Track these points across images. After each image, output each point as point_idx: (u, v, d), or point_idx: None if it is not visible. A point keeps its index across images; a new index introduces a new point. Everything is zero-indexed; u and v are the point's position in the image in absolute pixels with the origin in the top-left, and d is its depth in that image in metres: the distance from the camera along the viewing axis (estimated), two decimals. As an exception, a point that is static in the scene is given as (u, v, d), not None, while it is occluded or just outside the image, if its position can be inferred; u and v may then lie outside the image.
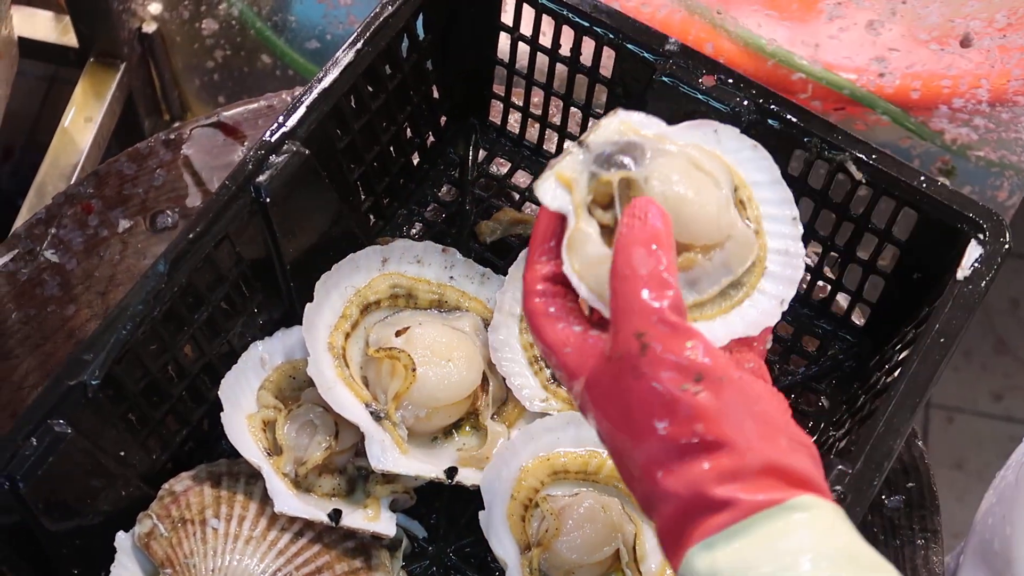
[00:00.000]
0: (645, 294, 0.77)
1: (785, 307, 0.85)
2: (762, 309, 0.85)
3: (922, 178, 1.11)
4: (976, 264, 1.07)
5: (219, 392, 1.12)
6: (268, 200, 1.09)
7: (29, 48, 1.73)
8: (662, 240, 0.79)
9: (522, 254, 1.23)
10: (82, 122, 1.67)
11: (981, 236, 1.08)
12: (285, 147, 1.10)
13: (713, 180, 0.85)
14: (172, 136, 1.41)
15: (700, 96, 1.14)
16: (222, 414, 1.11)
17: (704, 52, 1.54)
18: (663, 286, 0.77)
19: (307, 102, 1.12)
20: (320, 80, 1.13)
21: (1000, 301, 2.43)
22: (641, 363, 0.75)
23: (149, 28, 1.74)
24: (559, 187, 0.84)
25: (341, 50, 1.15)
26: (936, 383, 1.03)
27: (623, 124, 0.86)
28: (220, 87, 1.83)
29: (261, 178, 1.09)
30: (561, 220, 0.84)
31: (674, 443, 0.74)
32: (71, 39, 1.72)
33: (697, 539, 0.72)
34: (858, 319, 1.25)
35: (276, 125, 1.11)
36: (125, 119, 1.77)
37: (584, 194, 0.83)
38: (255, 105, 1.43)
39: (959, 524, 2.21)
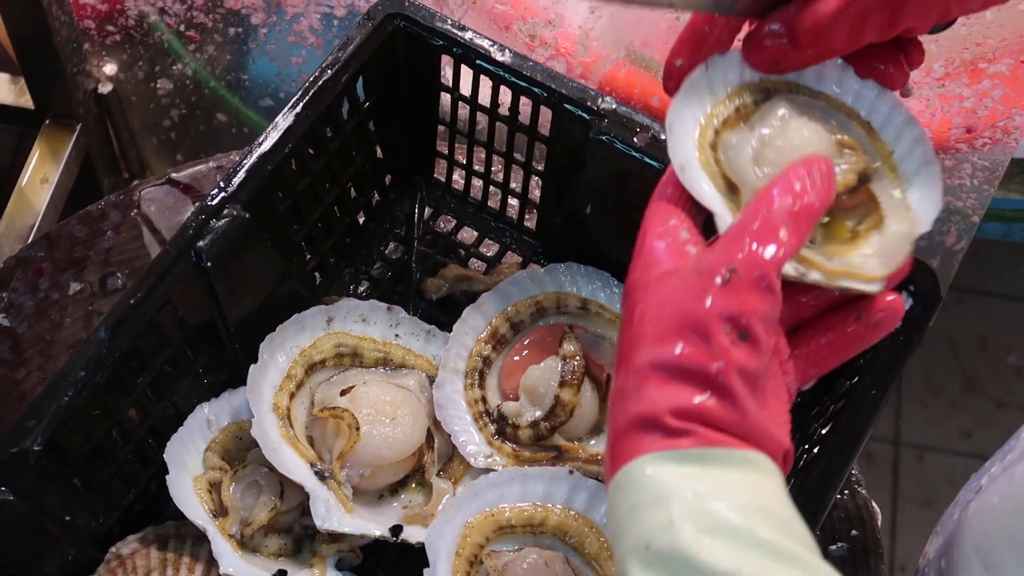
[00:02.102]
0: (766, 238, 0.76)
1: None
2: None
3: (854, 231, 1.13)
4: (908, 315, 1.09)
5: (164, 455, 1.13)
6: (210, 264, 1.10)
7: (-15, 110, 1.75)
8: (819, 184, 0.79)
9: (467, 310, 1.24)
10: (38, 183, 1.68)
11: (911, 289, 1.09)
12: (226, 211, 1.12)
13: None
14: (123, 198, 1.42)
15: (635, 153, 1.15)
16: (168, 476, 1.11)
17: (650, 104, 1.58)
18: (786, 242, 0.77)
19: (247, 165, 1.14)
20: (260, 144, 1.15)
21: (968, 339, 2.45)
22: (713, 291, 0.75)
23: (105, 88, 1.76)
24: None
25: (281, 114, 1.16)
26: (867, 435, 1.05)
27: None
28: (177, 145, 1.84)
29: (202, 243, 1.10)
30: None
31: (683, 367, 0.74)
32: (27, 101, 1.73)
33: (652, 450, 0.73)
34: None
35: (217, 189, 1.12)
36: (83, 179, 1.78)
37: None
38: (205, 165, 1.45)
39: (925, 563, 2.22)
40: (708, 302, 0.75)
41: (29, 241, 1.62)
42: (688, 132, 0.85)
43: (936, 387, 2.41)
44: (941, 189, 0.89)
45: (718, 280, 0.75)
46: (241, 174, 1.13)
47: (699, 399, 0.74)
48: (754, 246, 0.76)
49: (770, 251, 0.76)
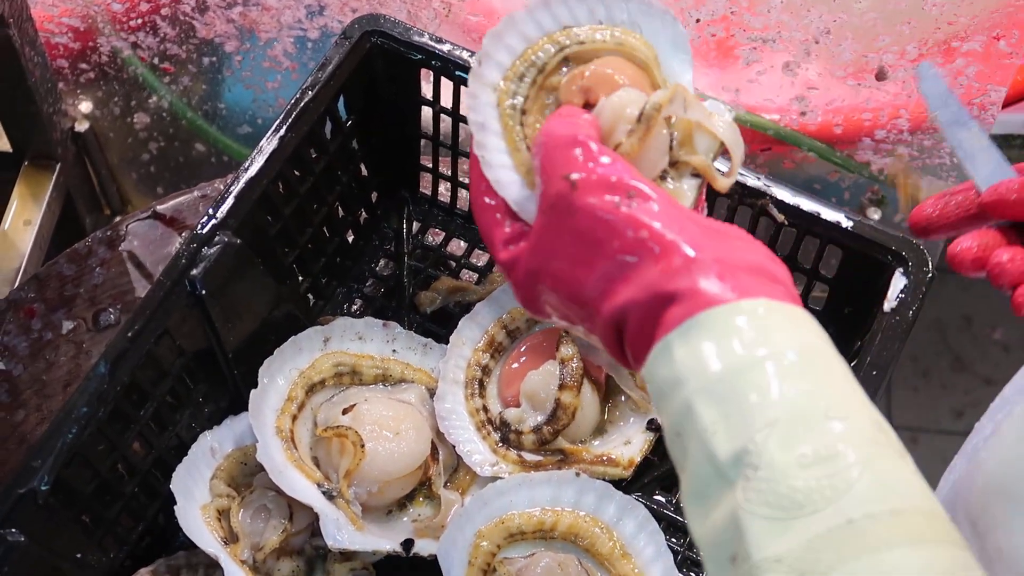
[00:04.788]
0: (565, 145, 0.80)
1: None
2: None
3: (843, 215, 1.14)
4: (901, 295, 1.09)
5: (171, 485, 1.12)
6: (204, 292, 1.10)
7: (-39, 156, 1.75)
8: (583, 121, 0.83)
9: (462, 321, 1.24)
10: (21, 225, 1.68)
11: (904, 268, 1.10)
12: (217, 238, 1.12)
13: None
14: (109, 233, 1.42)
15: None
16: (176, 507, 1.11)
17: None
18: (581, 143, 0.80)
19: (235, 192, 1.14)
20: (246, 169, 1.15)
21: (954, 319, 2.46)
22: (574, 198, 0.78)
23: (81, 127, 1.76)
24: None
25: (265, 138, 1.16)
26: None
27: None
28: (158, 178, 1.84)
29: (195, 271, 1.10)
30: None
31: (622, 258, 0.75)
32: (4, 144, 1.73)
33: (658, 338, 0.71)
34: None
35: (206, 217, 1.13)
36: (65, 218, 1.78)
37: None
38: (189, 196, 1.45)
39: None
40: (583, 207, 0.77)
41: (16, 283, 1.61)
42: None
43: (925, 369, 2.42)
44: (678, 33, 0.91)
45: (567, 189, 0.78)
46: (230, 200, 1.13)
47: (659, 267, 0.74)
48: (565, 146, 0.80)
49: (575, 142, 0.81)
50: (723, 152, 0.87)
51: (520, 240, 0.84)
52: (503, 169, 0.86)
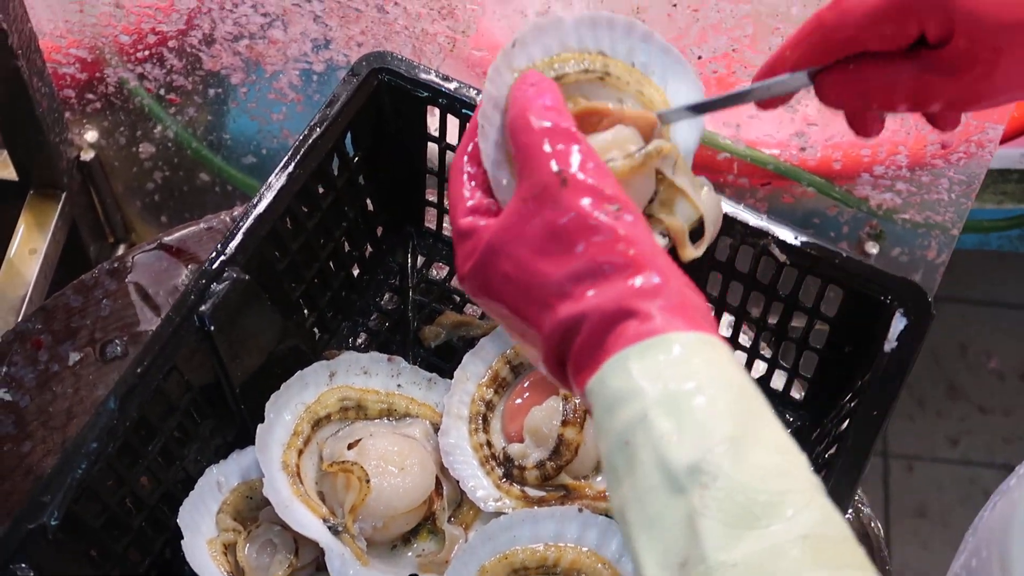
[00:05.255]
0: (555, 134, 0.80)
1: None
2: None
3: (844, 255, 1.15)
4: (902, 335, 1.11)
5: (178, 520, 1.13)
6: (213, 328, 1.11)
7: (-33, 185, 1.76)
8: (557, 97, 0.83)
9: (467, 356, 1.26)
10: (27, 254, 1.69)
11: (904, 308, 1.11)
12: (226, 274, 1.13)
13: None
14: (116, 265, 1.43)
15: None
16: (183, 542, 1.12)
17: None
18: (574, 138, 0.80)
19: (244, 228, 1.15)
20: (255, 205, 1.16)
21: (949, 347, 2.47)
22: (563, 194, 0.78)
23: (87, 156, 1.77)
24: None
25: (274, 174, 1.18)
26: (871, 454, 1.06)
27: None
28: (162, 207, 1.85)
29: (204, 307, 1.11)
30: None
31: (598, 264, 0.76)
32: (10, 173, 1.74)
33: (614, 351, 0.73)
34: (797, 393, 1.29)
35: (215, 253, 1.14)
36: (70, 246, 1.79)
37: None
38: (195, 227, 1.46)
39: (925, 571, 2.24)
40: (569, 205, 0.78)
41: (22, 312, 1.62)
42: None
43: (920, 397, 2.43)
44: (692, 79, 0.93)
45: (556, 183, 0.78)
46: (239, 237, 1.14)
47: (632, 281, 0.75)
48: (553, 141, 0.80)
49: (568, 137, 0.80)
50: (699, 227, 0.89)
51: (486, 215, 0.84)
52: (499, 147, 0.87)
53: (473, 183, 0.86)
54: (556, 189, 0.78)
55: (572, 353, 0.76)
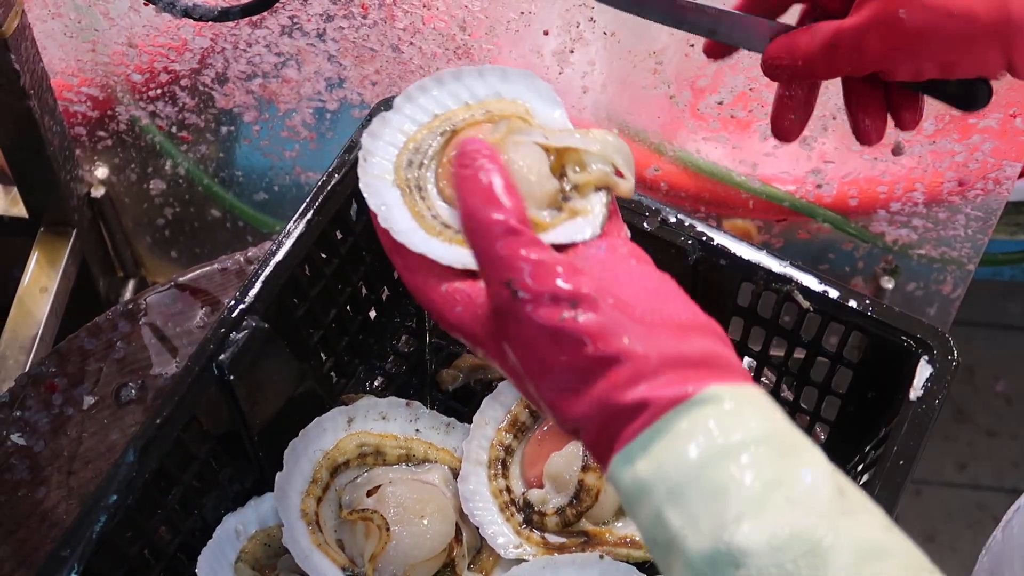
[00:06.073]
0: (499, 244, 0.77)
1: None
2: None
3: (867, 302, 1.14)
4: (927, 383, 1.10)
5: (197, 570, 1.12)
6: (232, 377, 1.10)
7: (-23, 222, 1.76)
8: (498, 180, 0.80)
9: (485, 400, 1.25)
10: (38, 292, 1.68)
11: (929, 356, 1.11)
12: (245, 323, 1.12)
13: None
14: (130, 307, 1.42)
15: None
16: (202, 592, 1.11)
17: (648, 174, 1.60)
18: (514, 230, 0.78)
19: (263, 275, 1.15)
20: (274, 253, 1.16)
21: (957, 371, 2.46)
22: (516, 308, 0.76)
23: (98, 192, 1.76)
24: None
25: (292, 221, 1.17)
26: (900, 504, 1.05)
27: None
28: (172, 242, 1.85)
29: (223, 356, 1.10)
30: None
31: (572, 370, 0.74)
32: (20, 210, 1.73)
33: (618, 449, 0.72)
34: (820, 437, 1.28)
35: (234, 301, 1.13)
36: (80, 281, 1.78)
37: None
38: (208, 268, 1.45)
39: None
40: (526, 318, 0.76)
41: (33, 351, 1.62)
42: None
43: (929, 422, 2.42)
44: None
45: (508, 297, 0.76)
46: (258, 284, 1.14)
47: (608, 378, 0.73)
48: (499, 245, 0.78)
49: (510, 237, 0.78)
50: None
51: (467, 303, 0.82)
52: (417, 233, 0.87)
53: (444, 285, 0.84)
54: (510, 303, 0.76)
55: (585, 447, 0.76)
